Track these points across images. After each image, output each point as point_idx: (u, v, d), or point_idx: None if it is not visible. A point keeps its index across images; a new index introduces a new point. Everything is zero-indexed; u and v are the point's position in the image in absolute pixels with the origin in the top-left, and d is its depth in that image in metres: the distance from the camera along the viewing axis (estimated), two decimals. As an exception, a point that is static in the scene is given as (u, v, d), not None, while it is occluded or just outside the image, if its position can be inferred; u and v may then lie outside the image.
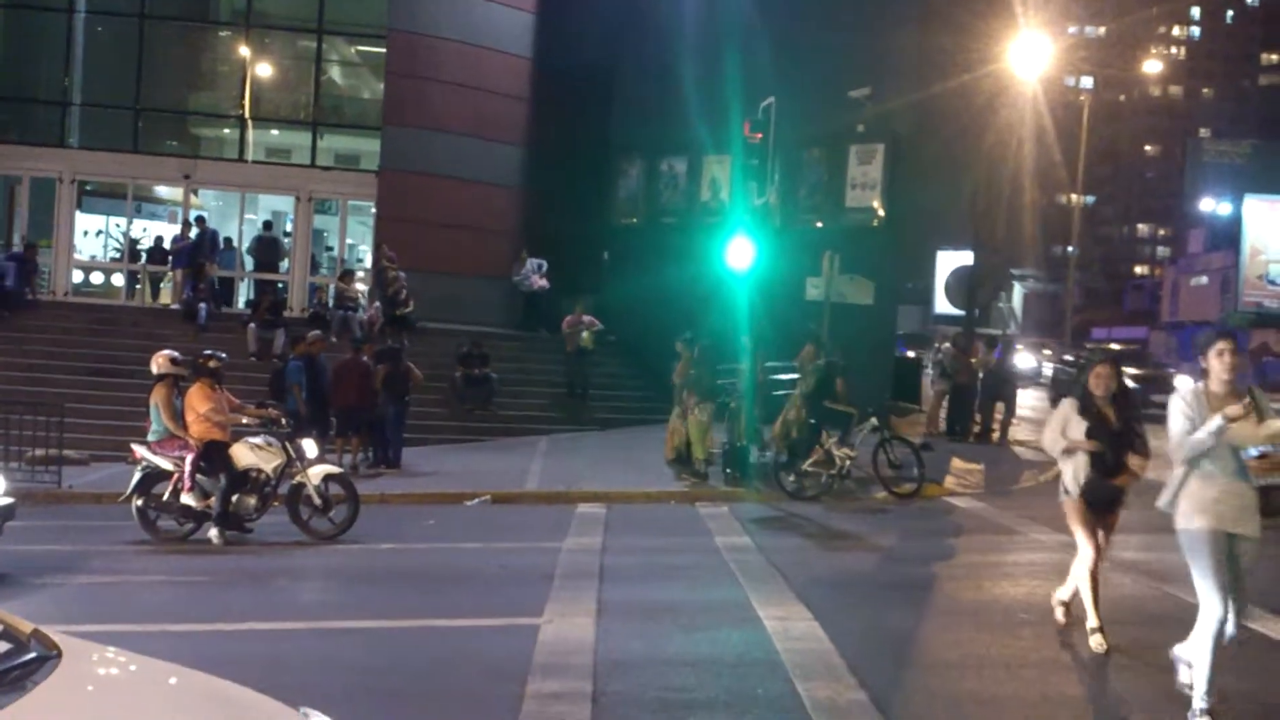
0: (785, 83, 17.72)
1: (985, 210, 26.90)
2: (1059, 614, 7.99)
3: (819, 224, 22.74)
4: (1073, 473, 7.43)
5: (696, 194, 24.85)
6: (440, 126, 24.07)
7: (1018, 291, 49.86)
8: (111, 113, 25.40)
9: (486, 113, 24.66)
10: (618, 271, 25.01)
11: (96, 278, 25.87)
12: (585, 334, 21.28)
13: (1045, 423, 7.82)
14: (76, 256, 25.20)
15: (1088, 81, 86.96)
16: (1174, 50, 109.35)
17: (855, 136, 22.47)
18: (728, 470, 15.50)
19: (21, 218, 24.66)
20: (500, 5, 25.08)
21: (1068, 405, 7.47)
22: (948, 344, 21.57)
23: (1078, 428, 7.32)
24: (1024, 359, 30.62)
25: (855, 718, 6.16)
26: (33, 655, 3.25)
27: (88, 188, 25.56)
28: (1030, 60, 27.76)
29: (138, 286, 24.90)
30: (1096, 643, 7.35)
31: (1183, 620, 8.42)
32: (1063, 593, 8.00)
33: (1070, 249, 57.59)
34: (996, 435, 20.12)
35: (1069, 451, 7.38)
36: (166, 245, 23.91)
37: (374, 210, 24.71)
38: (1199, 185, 72.88)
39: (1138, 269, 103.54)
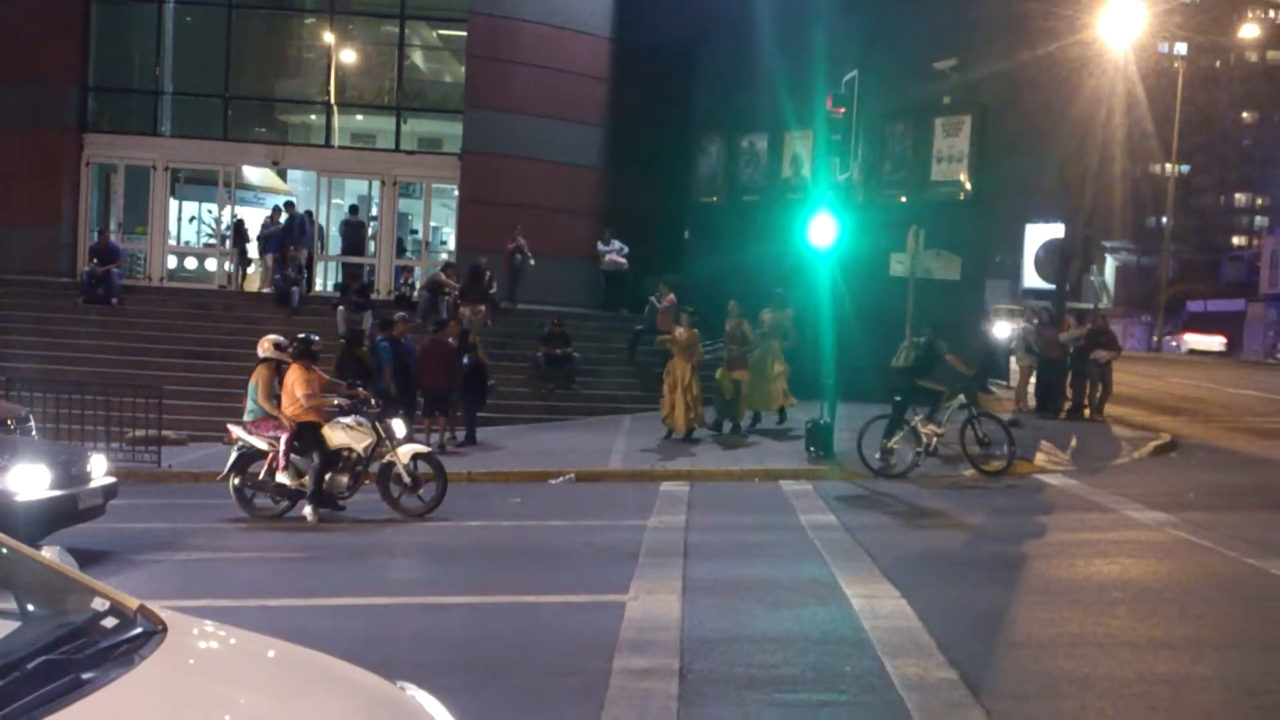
0: (868, 56, 17.44)
1: (1076, 182, 26.25)
2: None
3: (903, 199, 22.35)
4: None
5: (778, 170, 24.58)
6: (521, 108, 24.15)
7: (1110, 264, 48.73)
8: (202, 101, 25.92)
9: (567, 93, 24.69)
10: (699, 250, 24.93)
11: (190, 263, 26.49)
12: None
13: None
14: (171, 243, 25.82)
15: (1182, 48, 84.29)
16: (1272, 14, 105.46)
17: (941, 109, 22.00)
18: (811, 448, 15.41)
19: (117, 205, 25.33)
20: (580, -15, 25.09)
21: None
22: (1025, 322, 21.04)
23: None
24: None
25: (945, 695, 6.10)
26: (140, 630, 3.35)
27: (180, 175, 26.15)
28: (1122, 26, 26.97)
29: (229, 269, 25.45)
30: None
31: (1285, 599, 8.23)
32: None
33: (1164, 220, 56.06)
34: (1088, 411, 19.66)
35: None
36: (256, 230, 24.38)
37: (457, 193, 24.96)
38: (1299, 152, 70.44)
39: (1235, 239, 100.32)
